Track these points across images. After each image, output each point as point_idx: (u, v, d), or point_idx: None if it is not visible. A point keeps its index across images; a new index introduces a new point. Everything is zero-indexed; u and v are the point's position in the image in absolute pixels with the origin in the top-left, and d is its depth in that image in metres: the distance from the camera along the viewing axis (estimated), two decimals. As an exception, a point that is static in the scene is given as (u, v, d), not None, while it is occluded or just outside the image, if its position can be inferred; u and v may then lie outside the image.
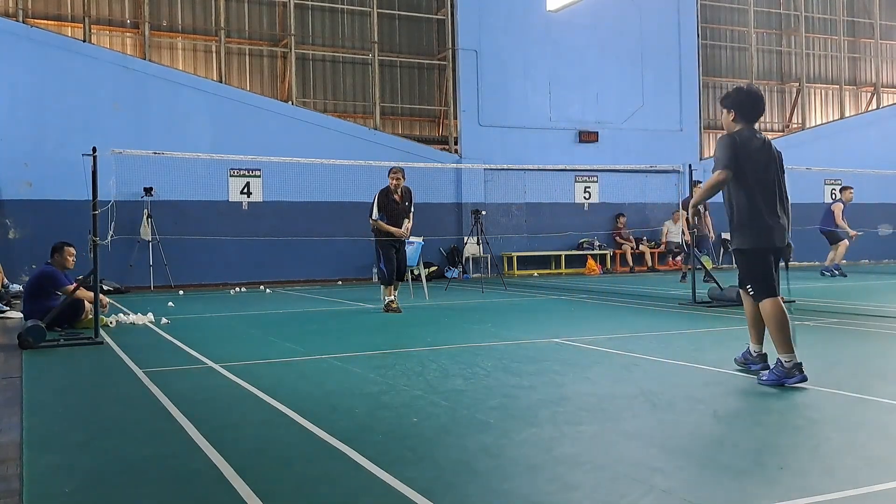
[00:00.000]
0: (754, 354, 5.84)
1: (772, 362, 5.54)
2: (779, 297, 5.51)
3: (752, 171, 5.51)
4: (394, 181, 10.94)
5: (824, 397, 5.08)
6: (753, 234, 5.53)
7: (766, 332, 5.61)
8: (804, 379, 5.26)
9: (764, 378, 5.40)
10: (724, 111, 5.73)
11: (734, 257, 5.83)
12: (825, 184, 22.79)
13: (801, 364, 5.30)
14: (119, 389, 5.82)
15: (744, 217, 5.55)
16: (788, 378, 5.27)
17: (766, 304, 5.49)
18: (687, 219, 11.96)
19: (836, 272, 16.55)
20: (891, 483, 3.37)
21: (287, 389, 5.54)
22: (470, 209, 17.90)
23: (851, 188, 17.23)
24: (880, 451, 3.89)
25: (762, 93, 5.89)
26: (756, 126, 5.71)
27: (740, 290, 5.87)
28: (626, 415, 4.72)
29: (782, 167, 5.75)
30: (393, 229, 10.85)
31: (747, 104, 5.65)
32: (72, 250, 9.24)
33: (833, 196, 16.86)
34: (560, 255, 20.08)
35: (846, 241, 16.74)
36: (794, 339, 5.39)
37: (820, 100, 24.82)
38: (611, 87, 20.87)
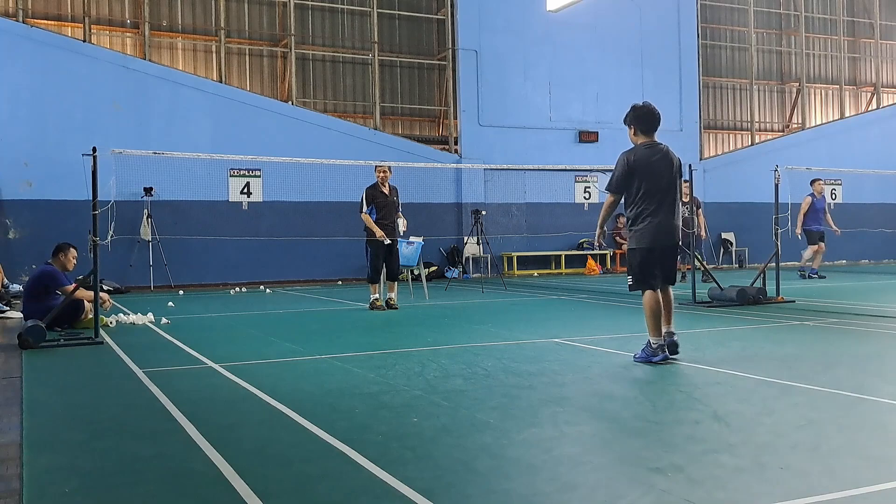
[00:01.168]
0: (654, 346, 6.40)
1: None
2: (651, 291, 6.41)
3: (646, 181, 6.45)
4: (380, 174, 11.20)
5: (824, 397, 5.09)
6: (639, 235, 6.47)
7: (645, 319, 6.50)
8: (666, 357, 6.30)
9: (637, 356, 6.43)
10: (628, 129, 6.70)
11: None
12: (825, 184, 22.75)
13: (664, 346, 6.34)
14: (119, 389, 5.82)
15: (635, 221, 6.51)
16: (654, 356, 6.30)
17: (645, 295, 6.45)
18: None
19: (814, 275, 16.27)
20: (891, 483, 3.37)
21: (287, 389, 5.54)
22: (470, 209, 17.91)
23: (821, 180, 16.60)
24: (880, 451, 3.89)
25: (654, 107, 6.76)
26: (654, 137, 6.63)
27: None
28: (625, 415, 4.72)
29: (680, 172, 6.64)
30: (378, 232, 10.98)
31: (643, 119, 6.62)
32: (74, 252, 9.25)
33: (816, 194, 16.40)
34: (560, 255, 20.08)
35: (821, 245, 16.35)
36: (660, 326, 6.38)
37: (820, 100, 24.82)
38: (611, 87, 20.86)
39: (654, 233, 6.42)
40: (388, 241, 11.04)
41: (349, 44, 19.64)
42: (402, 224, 11.33)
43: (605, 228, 6.94)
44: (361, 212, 11.18)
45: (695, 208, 13.63)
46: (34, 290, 9.01)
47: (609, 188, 6.62)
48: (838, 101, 24.42)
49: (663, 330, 6.42)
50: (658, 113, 6.68)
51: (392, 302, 11.24)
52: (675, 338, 6.53)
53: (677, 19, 21.65)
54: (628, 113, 6.69)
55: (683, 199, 8.31)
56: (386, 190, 11.21)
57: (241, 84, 18.42)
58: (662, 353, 6.31)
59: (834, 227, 16.58)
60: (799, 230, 15.97)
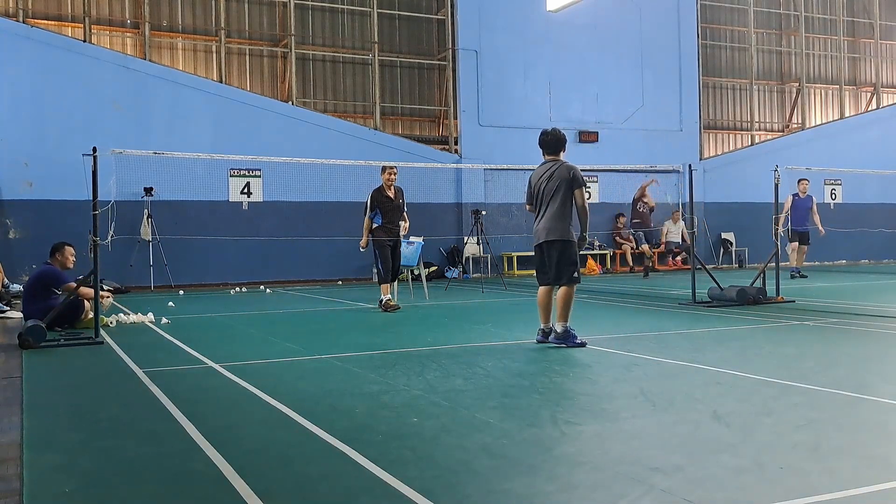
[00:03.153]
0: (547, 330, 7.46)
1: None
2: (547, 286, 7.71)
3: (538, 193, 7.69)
4: (386, 176, 11.12)
5: (824, 397, 5.09)
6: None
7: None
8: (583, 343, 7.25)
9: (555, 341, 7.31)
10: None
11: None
12: (825, 184, 22.80)
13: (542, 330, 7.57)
14: (119, 389, 5.82)
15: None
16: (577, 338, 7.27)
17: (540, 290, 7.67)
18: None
19: (796, 274, 16.21)
20: (891, 483, 3.37)
21: (287, 389, 5.54)
22: (470, 209, 17.91)
23: (806, 180, 16.43)
24: (880, 451, 3.89)
25: (550, 131, 7.96)
26: (554, 156, 7.82)
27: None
28: (626, 415, 4.72)
29: (568, 185, 7.59)
30: (363, 241, 11.13)
31: (540, 142, 7.94)
32: (72, 250, 9.25)
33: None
34: (560, 255, 20.03)
35: (796, 245, 16.28)
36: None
37: (820, 100, 24.82)
38: (611, 87, 20.86)
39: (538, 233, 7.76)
40: (363, 249, 11.30)
41: (349, 44, 19.64)
42: (402, 227, 11.27)
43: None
44: (366, 216, 11.13)
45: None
46: (35, 290, 9.01)
47: (526, 200, 8.40)
48: (838, 101, 24.42)
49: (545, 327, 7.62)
50: (550, 137, 7.93)
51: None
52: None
53: (677, 19, 21.65)
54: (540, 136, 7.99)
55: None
56: (391, 193, 11.11)
57: (241, 84, 18.42)
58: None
59: (820, 227, 16.46)
60: (780, 228, 15.95)
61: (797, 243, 16.31)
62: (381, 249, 11.07)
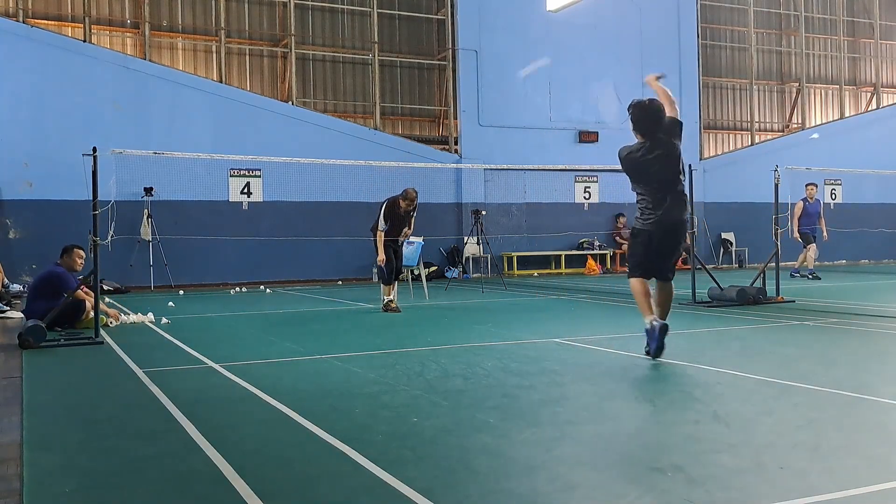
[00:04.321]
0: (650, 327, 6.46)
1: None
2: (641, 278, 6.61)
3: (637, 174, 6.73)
4: (405, 205, 10.91)
5: (824, 397, 5.09)
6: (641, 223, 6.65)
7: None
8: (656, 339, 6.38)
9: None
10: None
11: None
12: (825, 184, 22.79)
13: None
14: (119, 389, 5.82)
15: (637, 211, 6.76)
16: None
17: (631, 281, 6.65)
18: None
19: (810, 276, 16.22)
20: (891, 483, 3.37)
21: (287, 389, 5.54)
22: (470, 209, 17.91)
23: (814, 185, 16.49)
24: (880, 451, 3.89)
25: (646, 104, 6.72)
26: (652, 137, 6.64)
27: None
28: (626, 415, 4.72)
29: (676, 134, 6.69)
30: (381, 254, 10.81)
31: (634, 118, 6.72)
32: (81, 252, 9.24)
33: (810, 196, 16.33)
34: (560, 255, 20.09)
35: (814, 245, 16.31)
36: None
37: (820, 100, 24.83)
38: (611, 87, 20.86)
39: (653, 221, 6.64)
40: (383, 264, 10.97)
41: (349, 44, 19.64)
42: (404, 233, 11.15)
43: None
44: (377, 228, 10.90)
45: None
46: (41, 290, 8.99)
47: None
48: (838, 101, 24.42)
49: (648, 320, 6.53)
50: (647, 111, 6.68)
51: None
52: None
53: (677, 19, 21.66)
54: (628, 109, 6.87)
55: None
56: (402, 211, 10.97)
57: (241, 84, 18.43)
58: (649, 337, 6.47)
59: (825, 231, 16.47)
60: (796, 234, 15.97)
61: (813, 245, 16.29)
62: (383, 250, 11.04)
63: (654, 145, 6.59)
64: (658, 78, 7.12)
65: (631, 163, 6.73)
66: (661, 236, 6.55)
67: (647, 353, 6.46)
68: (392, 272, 10.99)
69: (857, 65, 25.20)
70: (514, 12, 19.85)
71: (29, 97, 15.93)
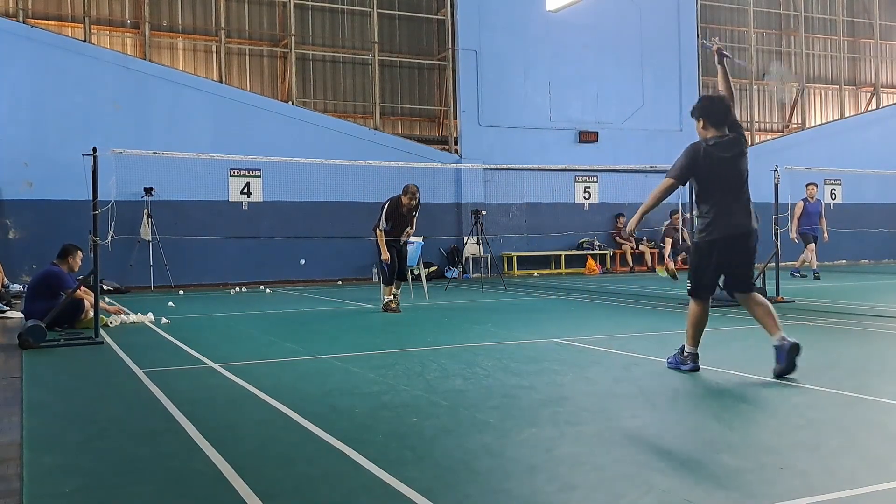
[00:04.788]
0: (778, 344, 5.74)
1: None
2: (704, 301, 6.01)
3: (711, 175, 5.87)
4: (407, 200, 10.87)
5: (824, 397, 5.09)
6: (710, 231, 5.90)
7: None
8: (696, 369, 5.91)
9: (668, 361, 6.16)
10: (695, 121, 6.03)
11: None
12: (825, 184, 22.79)
13: (697, 356, 5.97)
14: (119, 389, 5.82)
15: (700, 218, 6.00)
16: (683, 364, 5.98)
17: (692, 303, 6.03)
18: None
19: (814, 275, 16.18)
20: (891, 483, 3.37)
21: (287, 389, 5.54)
22: (470, 209, 17.90)
23: (814, 185, 16.47)
24: (880, 451, 3.89)
25: (718, 97, 6.13)
26: (724, 130, 5.93)
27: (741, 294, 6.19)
28: (626, 415, 4.72)
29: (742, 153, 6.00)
30: (384, 252, 10.77)
31: (713, 111, 5.94)
32: (81, 254, 9.24)
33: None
34: (560, 255, 20.08)
35: (812, 245, 16.31)
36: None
37: (820, 100, 24.83)
38: (611, 87, 20.87)
39: (722, 230, 5.86)
40: (387, 263, 10.90)
41: (349, 44, 19.64)
42: (406, 233, 11.07)
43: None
44: (379, 228, 10.86)
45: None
46: (39, 290, 8.99)
47: (672, 174, 5.96)
48: (838, 101, 24.42)
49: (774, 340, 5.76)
50: (729, 106, 6.03)
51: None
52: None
53: (677, 19, 21.65)
54: (696, 105, 6.08)
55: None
56: (404, 210, 10.91)
57: (241, 84, 18.42)
58: (692, 362, 5.94)
59: (825, 231, 16.47)
60: (794, 235, 15.98)
61: (813, 244, 16.29)
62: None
63: (732, 142, 5.89)
64: (720, 55, 6.34)
65: (709, 161, 5.83)
66: (730, 246, 5.86)
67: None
68: (394, 272, 10.98)
69: (857, 65, 25.20)
70: (514, 12, 19.85)
71: (29, 97, 15.93)
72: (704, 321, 6.00)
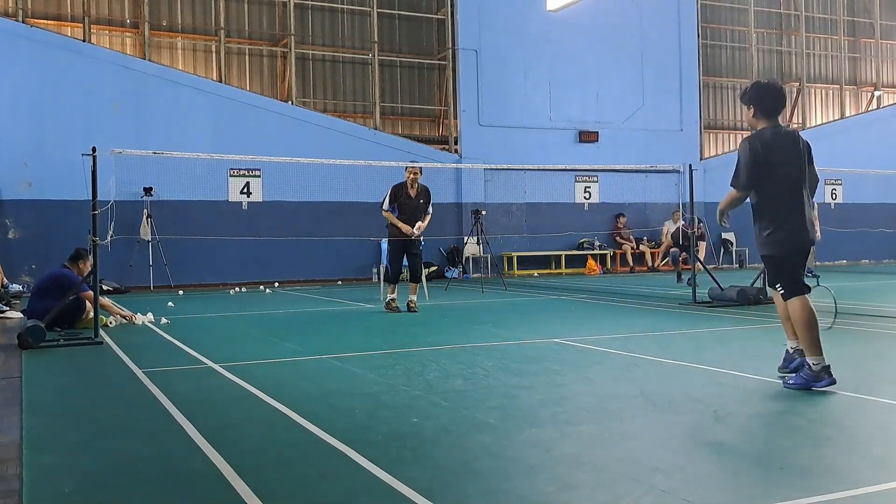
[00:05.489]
0: (791, 351, 5.55)
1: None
2: (806, 296, 5.29)
3: (774, 171, 5.32)
4: (410, 175, 10.86)
5: (824, 397, 5.08)
6: (780, 237, 5.35)
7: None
8: (833, 382, 5.13)
9: (791, 382, 5.26)
10: (745, 108, 5.54)
11: (763, 259, 5.62)
12: (825, 184, 22.78)
13: (829, 367, 5.19)
14: (119, 389, 5.81)
15: (766, 220, 5.40)
16: (817, 382, 5.15)
17: (793, 304, 5.30)
18: (692, 228, 12.11)
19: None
20: (891, 483, 3.37)
21: (287, 389, 5.54)
22: (470, 209, 17.91)
23: None
24: (880, 451, 3.89)
25: (780, 85, 5.57)
26: (779, 120, 5.48)
27: (771, 290, 5.71)
28: (626, 415, 4.72)
29: (811, 159, 5.53)
30: (401, 225, 10.67)
31: (767, 98, 5.42)
32: (91, 261, 9.23)
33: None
34: (560, 255, 20.08)
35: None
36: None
37: (820, 100, 24.83)
38: (611, 87, 20.87)
39: (797, 231, 5.34)
40: (414, 235, 10.71)
41: (349, 44, 19.64)
42: (418, 226, 10.82)
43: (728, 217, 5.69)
44: (382, 208, 10.89)
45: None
46: (48, 289, 8.98)
47: (736, 183, 5.41)
48: (838, 101, 24.42)
49: (790, 345, 5.45)
50: (784, 93, 5.52)
51: (412, 305, 10.83)
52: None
53: (677, 19, 21.65)
54: (747, 89, 5.56)
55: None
56: (413, 192, 10.83)
57: (240, 84, 18.42)
58: (828, 376, 5.16)
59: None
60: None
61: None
62: (390, 246, 11.02)
63: (789, 135, 5.45)
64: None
65: (769, 154, 5.30)
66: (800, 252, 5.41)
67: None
68: (398, 272, 10.96)
69: (858, 65, 25.20)
70: (514, 12, 19.85)
71: (29, 97, 15.93)
72: (816, 319, 5.25)
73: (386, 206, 10.86)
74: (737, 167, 5.43)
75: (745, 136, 5.62)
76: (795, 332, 5.40)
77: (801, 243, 5.39)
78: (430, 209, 11.10)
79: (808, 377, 5.18)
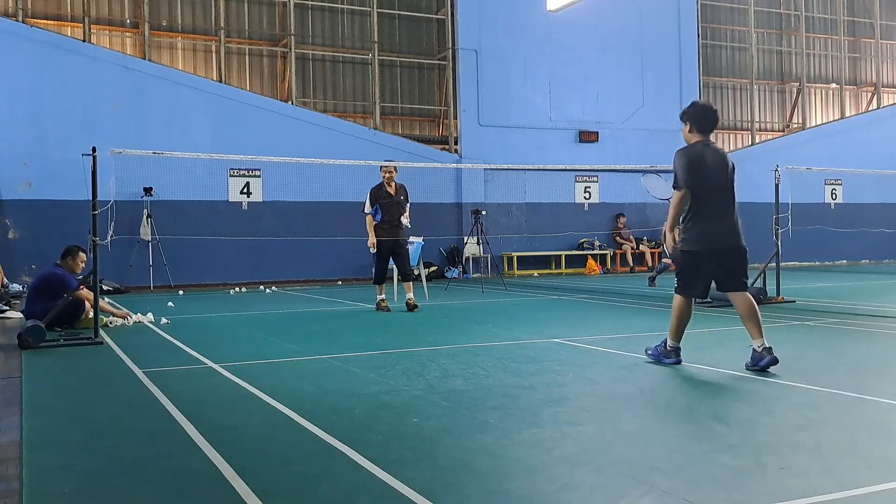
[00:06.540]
0: (759, 350, 5.99)
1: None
2: (687, 298, 6.20)
3: (703, 181, 6.07)
4: (386, 174, 11.06)
5: (824, 397, 5.08)
6: (693, 235, 6.10)
7: (746, 325, 6.16)
8: (678, 362, 6.21)
9: (650, 352, 6.40)
10: (683, 124, 6.32)
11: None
12: (825, 184, 22.79)
13: (679, 349, 6.25)
14: (119, 389, 5.81)
15: (688, 219, 6.15)
16: (666, 358, 6.24)
17: (676, 298, 6.26)
18: (664, 241, 12.20)
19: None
20: (891, 483, 3.37)
21: (287, 389, 5.54)
22: (470, 209, 17.89)
23: None
24: (880, 451, 3.89)
25: (714, 107, 6.41)
26: (711, 137, 6.28)
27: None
28: (626, 415, 4.72)
29: (733, 178, 6.35)
30: (371, 240, 10.94)
31: (701, 116, 6.24)
32: (84, 256, 9.22)
33: None
34: (560, 255, 20.08)
35: None
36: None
37: (820, 100, 24.82)
38: (611, 87, 20.87)
39: (706, 236, 6.08)
40: (373, 249, 11.01)
41: (349, 44, 19.63)
42: (403, 223, 11.08)
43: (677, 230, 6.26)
44: (364, 212, 11.13)
45: None
46: (40, 291, 8.99)
47: (677, 184, 6.12)
48: (838, 101, 24.42)
49: (755, 343, 5.98)
50: (717, 114, 6.40)
51: (411, 302, 10.93)
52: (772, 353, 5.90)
53: (677, 19, 21.65)
54: (686, 108, 6.38)
55: None
56: (391, 189, 11.04)
57: (240, 84, 18.42)
58: (676, 356, 6.25)
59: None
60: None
61: None
62: (377, 250, 11.08)
63: (721, 152, 6.30)
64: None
65: (701, 162, 6.11)
66: (716, 257, 6.12)
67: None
68: (383, 275, 11.04)
69: (858, 65, 25.20)
70: (514, 12, 19.85)
71: (28, 97, 15.93)
72: (689, 317, 6.25)
73: (368, 209, 11.04)
74: (675, 173, 6.14)
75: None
76: (760, 332, 5.97)
77: (712, 244, 6.07)
78: (408, 204, 11.31)
79: (661, 352, 6.29)
